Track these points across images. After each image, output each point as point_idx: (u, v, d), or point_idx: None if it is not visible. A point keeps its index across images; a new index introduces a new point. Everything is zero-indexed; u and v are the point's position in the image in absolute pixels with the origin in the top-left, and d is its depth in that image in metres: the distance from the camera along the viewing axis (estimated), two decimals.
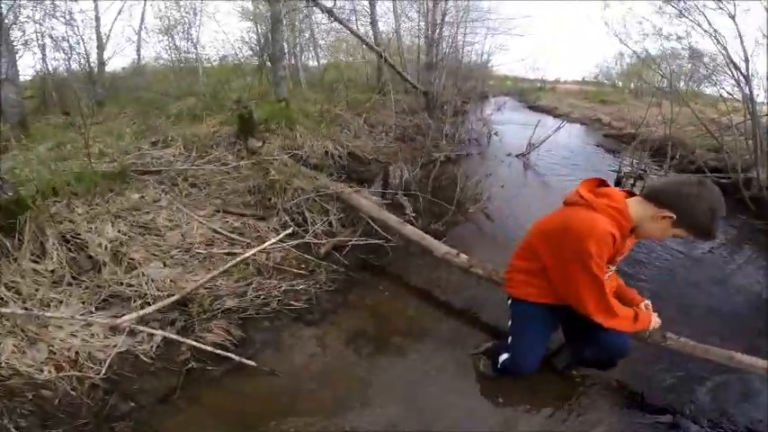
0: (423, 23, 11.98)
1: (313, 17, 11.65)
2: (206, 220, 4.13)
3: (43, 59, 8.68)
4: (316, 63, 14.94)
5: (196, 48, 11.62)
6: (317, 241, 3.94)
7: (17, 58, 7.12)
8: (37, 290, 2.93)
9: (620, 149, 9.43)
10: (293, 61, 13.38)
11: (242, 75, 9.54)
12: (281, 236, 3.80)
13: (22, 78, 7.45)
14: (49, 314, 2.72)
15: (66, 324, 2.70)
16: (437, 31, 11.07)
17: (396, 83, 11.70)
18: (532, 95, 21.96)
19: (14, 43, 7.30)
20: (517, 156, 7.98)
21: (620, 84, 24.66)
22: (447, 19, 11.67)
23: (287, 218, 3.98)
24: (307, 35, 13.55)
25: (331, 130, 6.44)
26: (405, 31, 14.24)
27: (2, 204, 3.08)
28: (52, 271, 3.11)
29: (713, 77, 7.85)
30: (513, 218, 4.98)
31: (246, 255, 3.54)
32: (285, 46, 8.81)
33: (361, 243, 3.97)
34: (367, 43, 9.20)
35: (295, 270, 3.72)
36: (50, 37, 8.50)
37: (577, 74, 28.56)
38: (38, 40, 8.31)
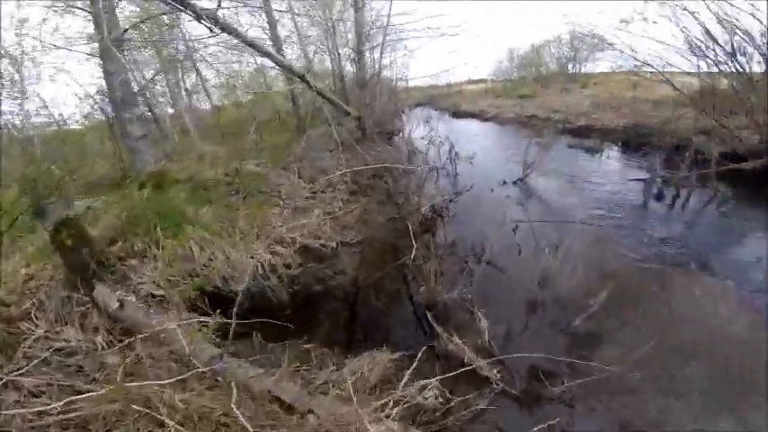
0: (348, 38, 9.63)
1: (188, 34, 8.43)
2: None
3: None
4: (208, 106, 11.62)
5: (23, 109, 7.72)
6: None
7: None
8: None
9: (596, 147, 8.09)
10: (170, 109, 10.00)
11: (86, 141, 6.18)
12: None
13: None
14: None
15: None
16: (365, 44, 8.92)
17: (312, 116, 9.23)
18: (446, 102, 21.00)
19: None
20: (515, 182, 5.92)
21: (515, 76, 25.00)
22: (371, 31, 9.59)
23: None
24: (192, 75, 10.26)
25: (258, 216, 3.64)
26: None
27: None
28: None
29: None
30: None
31: None
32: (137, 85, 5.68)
33: None
34: (284, 65, 6.51)
35: None
36: None
37: (474, 74, 28.70)
38: None
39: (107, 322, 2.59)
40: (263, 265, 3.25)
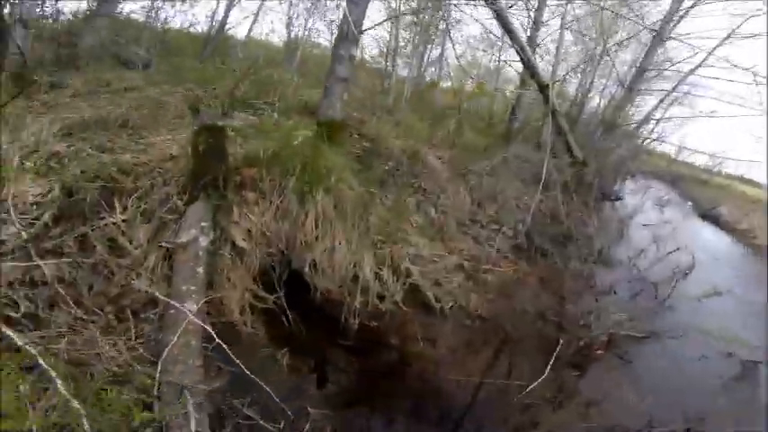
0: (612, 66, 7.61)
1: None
2: None
3: None
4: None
5: None
6: None
7: None
8: None
9: None
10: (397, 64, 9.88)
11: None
12: None
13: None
14: None
15: None
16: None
17: (527, 134, 7.68)
18: (699, 192, 15.26)
19: None
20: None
21: None
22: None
23: None
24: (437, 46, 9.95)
25: (396, 218, 2.76)
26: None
27: None
28: None
29: None
30: None
31: None
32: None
33: None
34: (532, 64, 5.32)
35: None
36: None
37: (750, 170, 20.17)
38: None
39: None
40: (356, 279, 2.39)
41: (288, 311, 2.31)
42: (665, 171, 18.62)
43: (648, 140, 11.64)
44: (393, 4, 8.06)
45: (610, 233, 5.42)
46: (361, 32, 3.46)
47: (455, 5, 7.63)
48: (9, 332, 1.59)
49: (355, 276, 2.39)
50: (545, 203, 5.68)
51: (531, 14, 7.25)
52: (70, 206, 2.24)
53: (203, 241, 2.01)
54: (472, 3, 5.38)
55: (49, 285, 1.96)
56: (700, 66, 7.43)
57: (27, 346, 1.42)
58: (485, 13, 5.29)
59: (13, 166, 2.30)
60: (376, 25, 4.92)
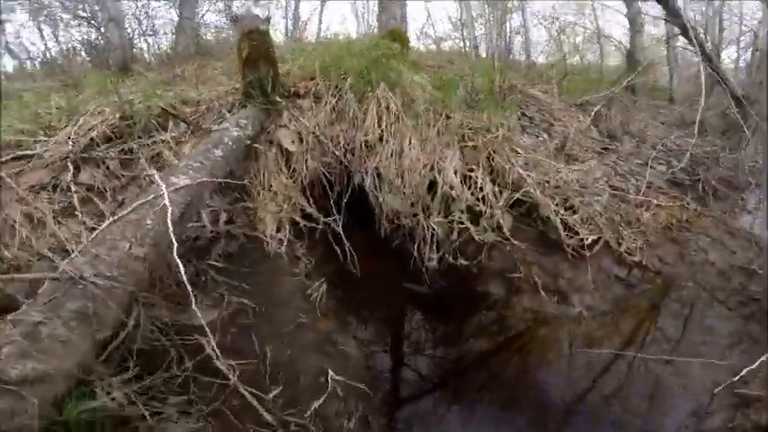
0: None
1: None
2: None
3: None
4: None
5: None
6: None
7: None
8: None
9: None
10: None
11: None
12: None
13: None
14: None
15: None
16: None
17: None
18: None
19: None
20: None
21: None
22: None
23: None
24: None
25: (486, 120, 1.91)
26: None
27: None
28: None
29: None
30: None
31: None
32: None
33: None
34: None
35: None
36: None
37: None
38: None
39: None
40: (434, 191, 1.61)
41: (344, 241, 1.64)
42: None
43: None
44: None
45: None
46: None
47: None
48: None
49: (432, 186, 1.59)
50: (702, 148, 4.07)
51: None
52: (122, 128, 2.05)
53: (235, 131, 1.52)
54: None
55: (75, 192, 1.71)
56: None
57: None
58: None
59: (87, 110, 2.25)
60: None
